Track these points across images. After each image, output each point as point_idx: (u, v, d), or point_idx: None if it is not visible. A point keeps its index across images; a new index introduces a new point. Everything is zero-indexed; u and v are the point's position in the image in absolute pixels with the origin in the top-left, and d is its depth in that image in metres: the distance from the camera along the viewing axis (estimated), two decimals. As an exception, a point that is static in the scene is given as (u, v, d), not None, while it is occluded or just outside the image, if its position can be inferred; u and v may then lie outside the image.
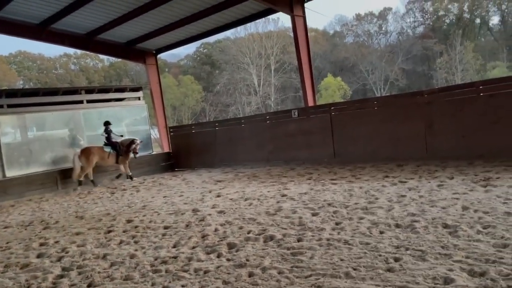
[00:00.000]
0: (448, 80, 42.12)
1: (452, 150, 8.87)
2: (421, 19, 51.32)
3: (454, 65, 43.02)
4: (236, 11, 13.03)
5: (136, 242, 5.36)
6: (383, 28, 52.40)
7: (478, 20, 49.39)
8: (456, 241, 3.95)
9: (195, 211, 6.90)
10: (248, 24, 46.25)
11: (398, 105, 10.08)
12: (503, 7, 47.30)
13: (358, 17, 52.68)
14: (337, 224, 5.05)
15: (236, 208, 6.71)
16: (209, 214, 6.46)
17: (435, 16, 50.27)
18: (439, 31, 48.52)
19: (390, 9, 52.15)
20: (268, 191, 7.92)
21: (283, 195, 7.30)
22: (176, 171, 14.59)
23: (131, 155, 12.81)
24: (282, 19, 47.10)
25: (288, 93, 48.49)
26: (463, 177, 6.96)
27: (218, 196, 8.16)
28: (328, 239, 4.47)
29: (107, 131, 12.75)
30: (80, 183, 12.12)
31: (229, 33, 50.79)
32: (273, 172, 10.68)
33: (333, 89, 45.04)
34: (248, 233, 5.12)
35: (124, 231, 6.06)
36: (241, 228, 5.41)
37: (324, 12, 58.19)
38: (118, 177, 13.10)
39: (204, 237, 5.21)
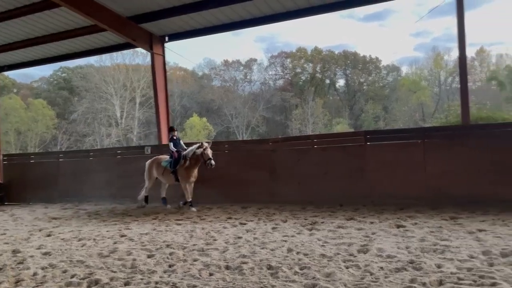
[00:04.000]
0: (301, 131, 46.56)
1: (290, 195, 9.69)
2: (281, 73, 56.40)
3: (306, 117, 47.93)
4: (94, 40, 12.47)
5: None
6: (248, 77, 55.94)
7: (328, 81, 56.49)
8: (275, 282, 4.22)
9: (15, 252, 6.08)
10: (115, 54, 44.82)
11: (247, 150, 10.72)
12: (348, 72, 55.23)
13: (226, 63, 55.40)
14: (170, 266, 4.99)
15: (65, 249, 6.12)
16: (31, 256, 5.76)
17: (293, 72, 55.87)
18: (296, 86, 53.94)
19: (255, 60, 56.21)
20: (107, 231, 7.47)
21: (122, 236, 6.96)
22: (5, 205, 12.79)
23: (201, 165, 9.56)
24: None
25: (153, 128, 47.34)
26: (295, 220, 7.59)
27: (49, 235, 7.37)
28: (156, 282, 4.37)
29: (172, 140, 10.01)
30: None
31: (92, 60, 48.15)
32: (118, 210, 10.15)
33: (198, 129, 45.70)
34: (72, 277, 4.70)
35: None
36: (65, 271, 4.93)
37: (193, 53, 59.72)
38: (184, 204, 9.91)
39: (17, 282, 4.61)
